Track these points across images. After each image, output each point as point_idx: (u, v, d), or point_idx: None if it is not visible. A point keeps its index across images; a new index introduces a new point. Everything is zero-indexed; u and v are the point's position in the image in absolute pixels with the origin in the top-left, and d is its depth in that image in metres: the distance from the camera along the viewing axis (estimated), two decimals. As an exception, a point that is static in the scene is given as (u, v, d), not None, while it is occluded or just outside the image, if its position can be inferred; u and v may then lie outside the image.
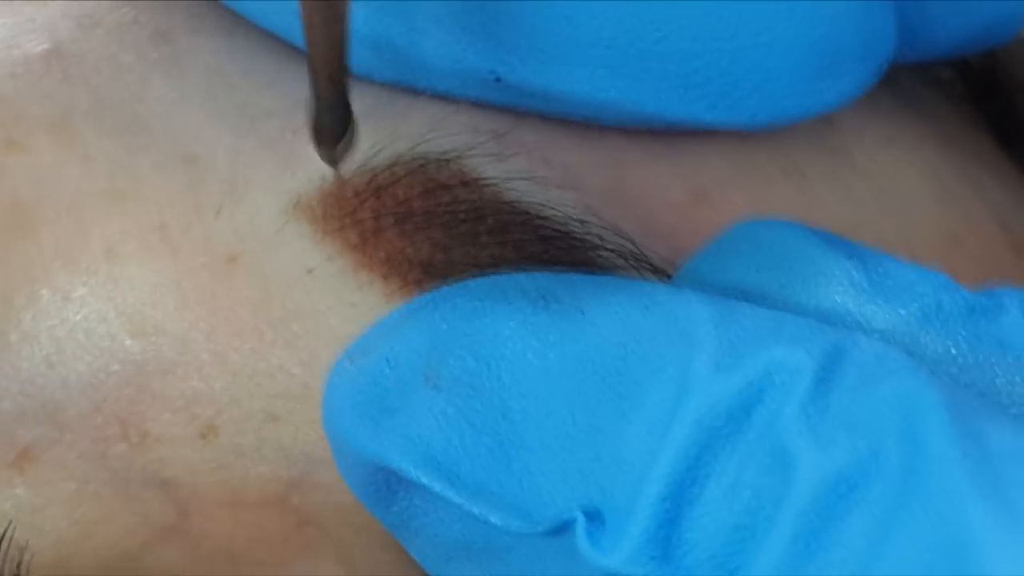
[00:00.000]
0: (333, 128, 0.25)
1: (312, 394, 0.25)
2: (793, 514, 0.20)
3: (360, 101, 0.26)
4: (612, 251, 0.26)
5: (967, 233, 0.30)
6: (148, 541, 0.26)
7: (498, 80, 0.26)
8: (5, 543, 0.25)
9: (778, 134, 0.29)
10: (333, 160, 0.26)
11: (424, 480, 0.22)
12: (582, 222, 0.26)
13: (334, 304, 0.26)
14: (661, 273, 0.26)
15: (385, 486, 0.23)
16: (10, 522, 0.25)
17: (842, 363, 0.21)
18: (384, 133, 0.26)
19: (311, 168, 0.26)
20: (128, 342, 0.26)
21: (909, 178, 0.30)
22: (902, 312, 0.22)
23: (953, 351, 0.22)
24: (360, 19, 0.26)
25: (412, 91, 0.27)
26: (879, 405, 0.21)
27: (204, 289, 0.26)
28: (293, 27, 0.27)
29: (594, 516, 0.21)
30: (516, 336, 0.22)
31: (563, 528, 0.21)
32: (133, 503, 0.26)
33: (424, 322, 0.23)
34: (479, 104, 0.27)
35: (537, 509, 0.22)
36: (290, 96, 0.27)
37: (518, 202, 0.26)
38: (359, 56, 0.26)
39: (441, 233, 0.26)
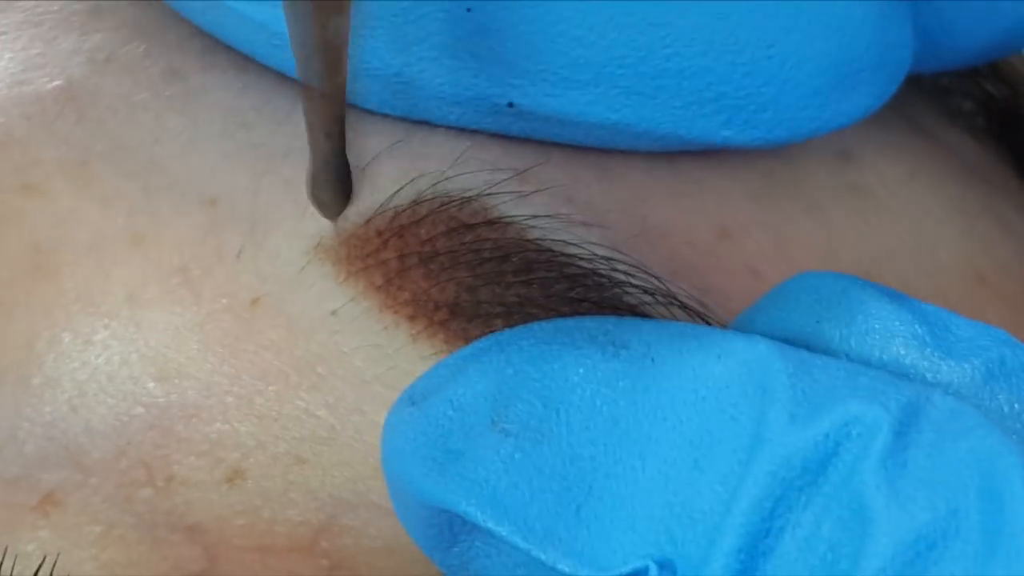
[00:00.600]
0: (331, 184, 0.25)
1: (338, 437, 0.25)
2: (872, 571, 0.20)
3: (378, 137, 0.26)
4: (639, 287, 0.26)
5: (993, 271, 0.30)
6: None
7: (511, 106, 0.26)
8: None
9: (800, 172, 0.29)
10: (331, 215, 0.26)
11: (490, 525, 0.22)
12: (607, 259, 0.26)
13: (359, 346, 0.25)
14: (690, 310, 0.26)
15: (447, 529, 0.22)
16: (44, 557, 0.25)
17: (918, 418, 0.21)
18: (404, 171, 0.26)
19: None
20: (151, 385, 0.26)
21: (933, 215, 0.30)
22: (966, 367, 0.22)
23: (1017, 407, 0.22)
24: (368, 52, 0.26)
25: (431, 127, 0.27)
26: (958, 463, 0.21)
27: (227, 332, 0.26)
28: (276, 55, 0.27)
29: (665, 566, 0.21)
30: (585, 382, 0.22)
31: (633, 577, 0.21)
32: (161, 548, 0.25)
33: (490, 365, 0.23)
34: (500, 140, 0.27)
35: (605, 557, 0.21)
36: (305, 134, 0.27)
37: (542, 240, 0.26)
38: (370, 90, 0.26)
39: (466, 273, 0.25)
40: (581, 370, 0.22)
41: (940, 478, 0.21)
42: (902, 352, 0.23)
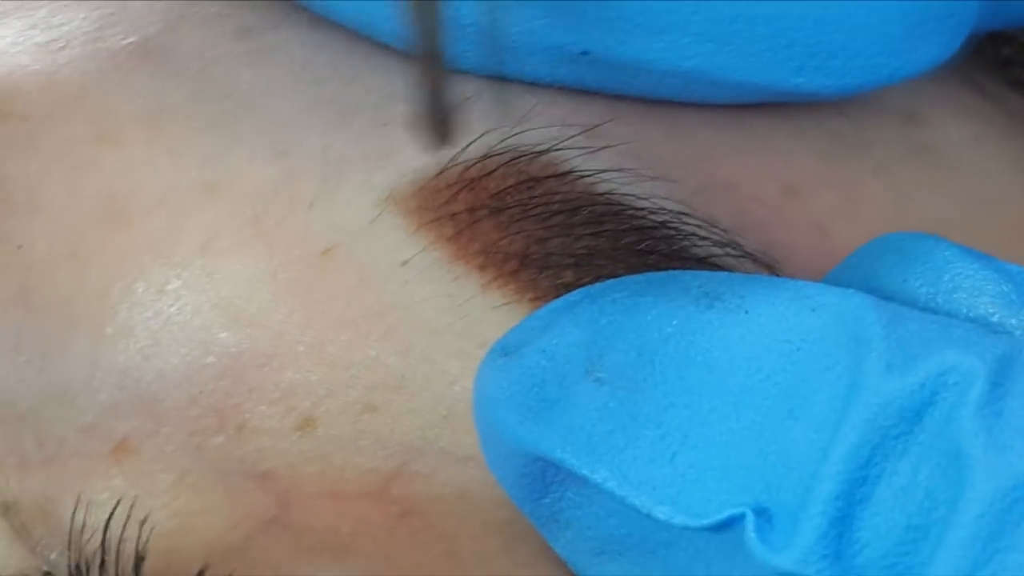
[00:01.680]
0: (442, 114, 0.25)
1: (408, 384, 0.25)
2: (970, 517, 0.20)
3: (453, 91, 0.26)
4: (708, 240, 0.26)
5: None
6: (251, 533, 0.26)
7: (585, 54, 0.26)
8: (123, 520, 0.25)
9: (866, 132, 0.29)
10: (439, 146, 0.26)
11: (586, 471, 0.22)
12: (676, 213, 0.26)
13: (429, 295, 0.26)
14: (760, 263, 0.26)
15: (540, 479, 0.23)
16: (121, 499, 0.25)
17: (1012, 369, 0.21)
18: (477, 125, 0.26)
19: (403, 162, 0.26)
20: (223, 335, 0.26)
21: (997, 176, 0.30)
22: None
23: None
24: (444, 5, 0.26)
25: (500, 83, 0.27)
26: None
27: (299, 281, 0.26)
28: (373, 23, 0.27)
29: (761, 513, 0.21)
30: (679, 332, 0.22)
31: (728, 525, 0.21)
32: (233, 495, 0.26)
33: (582, 316, 0.23)
34: (569, 96, 0.27)
35: (701, 504, 0.22)
36: (376, 90, 0.27)
37: (611, 193, 0.26)
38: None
39: (535, 224, 0.26)
40: (675, 321, 0.22)
41: None
42: (990, 309, 0.23)
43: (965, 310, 0.23)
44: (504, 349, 0.23)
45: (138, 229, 0.26)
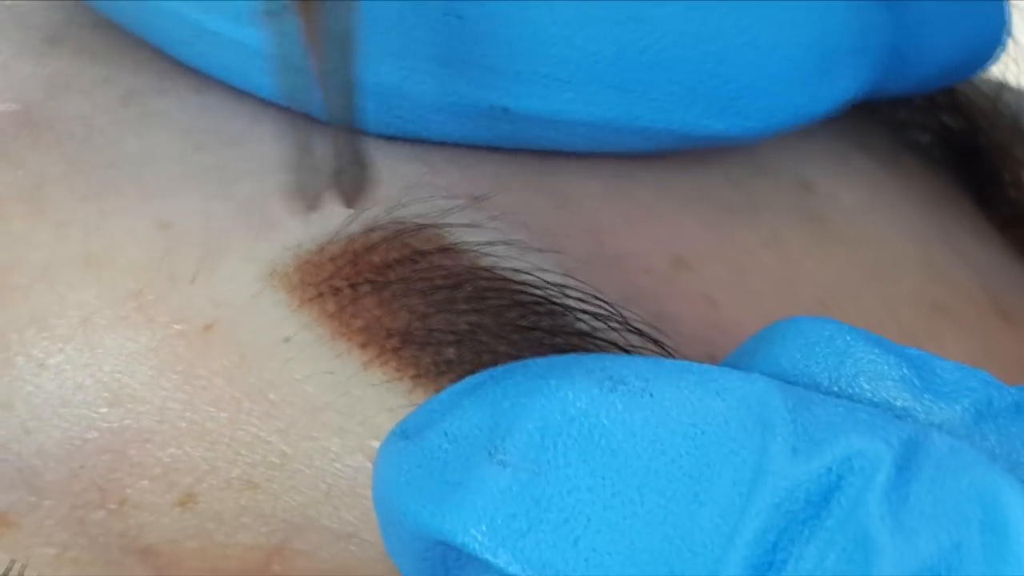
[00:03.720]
0: (355, 177, 0.25)
1: (289, 462, 0.25)
2: None
3: (330, 164, 0.26)
4: (590, 313, 0.26)
5: (952, 300, 0.30)
6: None
7: (504, 111, 0.26)
8: None
9: (758, 202, 0.29)
10: (353, 202, 0.26)
11: (488, 555, 0.22)
12: (559, 286, 0.26)
13: (311, 373, 0.26)
14: (645, 336, 0.26)
15: (440, 562, 0.22)
16: (5, 572, 0.25)
17: (918, 454, 0.21)
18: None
19: (286, 234, 0.26)
20: (105, 410, 0.26)
21: (891, 244, 0.31)
22: (956, 408, 0.23)
23: (1007, 447, 0.23)
24: (360, 67, 0.26)
25: (387, 152, 0.27)
26: (960, 497, 0.21)
27: (181, 357, 0.26)
28: (258, 79, 0.27)
29: (666, 599, 0.21)
30: (583, 415, 0.22)
31: (633, 610, 0.21)
32: (113, 570, 0.25)
33: (485, 398, 0.22)
34: (456, 165, 0.27)
35: None
36: (260, 156, 0.27)
37: (496, 268, 0.26)
38: (360, 108, 0.26)
39: (418, 300, 0.26)
40: (579, 403, 0.22)
41: (943, 512, 0.21)
42: (892, 394, 0.23)
43: (868, 395, 0.23)
44: (404, 432, 0.23)
45: (19, 302, 0.26)
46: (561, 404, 0.22)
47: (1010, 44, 0.30)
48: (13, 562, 0.25)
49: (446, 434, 0.22)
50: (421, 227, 0.26)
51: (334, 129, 0.24)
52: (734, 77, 0.26)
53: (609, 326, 0.26)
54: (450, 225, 0.27)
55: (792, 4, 0.26)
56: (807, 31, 0.26)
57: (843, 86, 0.27)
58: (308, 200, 0.25)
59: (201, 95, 0.28)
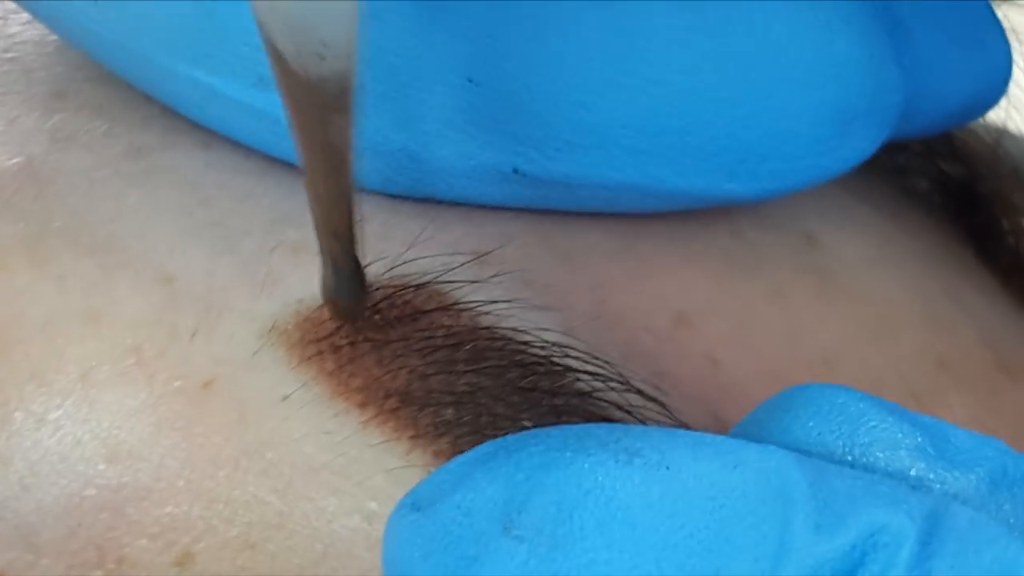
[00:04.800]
0: (349, 289, 0.25)
1: (287, 523, 0.25)
2: None
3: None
4: (591, 374, 0.26)
5: (955, 355, 0.30)
6: None
7: (516, 172, 0.26)
8: None
9: (761, 256, 0.29)
10: (353, 316, 0.25)
11: (506, 634, 0.21)
12: (560, 346, 0.26)
13: (309, 432, 0.25)
14: (645, 396, 0.26)
15: (455, 639, 0.22)
16: None
17: (940, 528, 0.21)
18: (362, 253, 0.26)
19: (287, 290, 0.26)
20: (103, 467, 0.25)
21: (895, 299, 0.30)
22: (971, 477, 0.23)
23: (1022, 516, 0.22)
24: (372, 130, 0.26)
25: (392, 207, 0.27)
26: (982, 573, 0.21)
27: (179, 414, 0.26)
28: (272, 140, 0.27)
29: (688, 677, 0.21)
30: (600, 488, 0.22)
31: None
32: None
33: (499, 471, 0.22)
34: (461, 220, 0.27)
35: None
36: (266, 212, 0.27)
37: (496, 327, 0.26)
38: (374, 168, 0.26)
39: (418, 360, 0.25)
40: (595, 476, 0.22)
41: None
42: (907, 464, 0.23)
43: (883, 464, 0.23)
44: (416, 504, 0.22)
45: (18, 357, 0.26)
46: (577, 477, 0.22)
47: (1011, 91, 0.30)
48: None
49: (459, 507, 0.22)
50: (423, 285, 0.26)
51: (326, 243, 0.24)
52: (752, 140, 0.26)
53: (609, 386, 0.26)
54: (452, 282, 0.26)
55: (810, 67, 0.26)
56: (825, 94, 0.26)
57: (859, 147, 0.27)
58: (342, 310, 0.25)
59: (207, 151, 0.28)
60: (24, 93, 0.29)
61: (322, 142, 0.23)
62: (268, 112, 0.26)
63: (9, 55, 0.30)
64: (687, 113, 0.26)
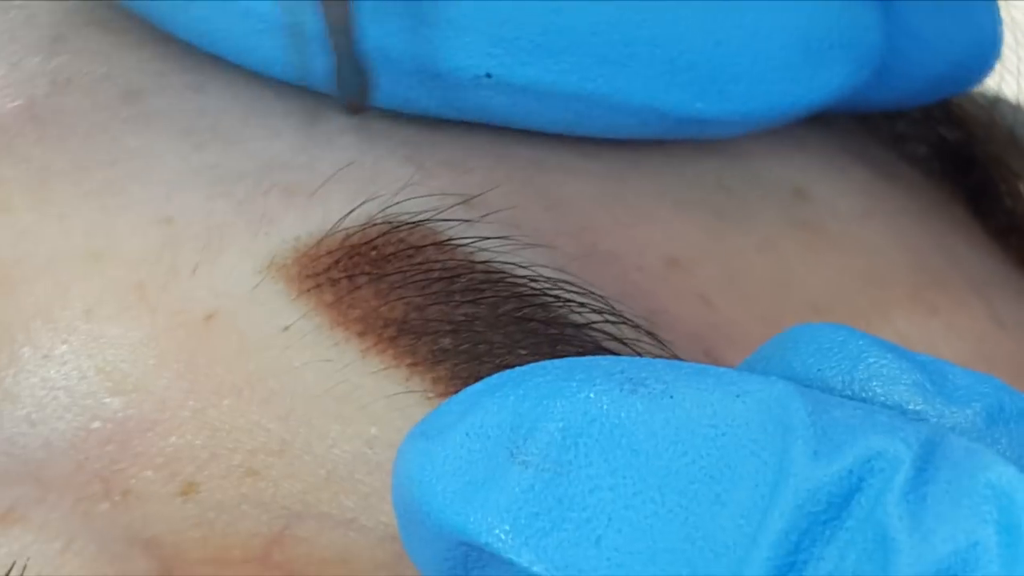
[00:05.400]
0: (351, 78, 0.26)
1: (289, 449, 0.26)
2: None
3: (331, 159, 0.27)
4: (586, 307, 0.26)
5: (947, 305, 0.31)
6: None
7: (488, 76, 0.27)
8: None
9: (752, 209, 0.30)
10: (357, 109, 0.26)
11: (512, 555, 0.22)
12: (555, 280, 0.26)
13: (309, 360, 0.26)
14: (641, 329, 0.27)
15: (462, 562, 0.22)
16: (11, 567, 0.25)
17: (935, 455, 0.22)
18: (355, 193, 0.27)
19: (284, 229, 0.27)
20: (108, 400, 0.26)
21: (886, 251, 0.31)
22: (968, 412, 0.23)
23: (1018, 451, 0.23)
24: (358, 30, 0.26)
25: (380, 156, 0.28)
26: (977, 497, 0.21)
27: (182, 347, 0.26)
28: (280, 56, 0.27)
29: (688, 598, 0.21)
30: (605, 415, 0.22)
31: (654, 610, 0.21)
32: (118, 562, 0.25)
33: (506, 400, 0.23)
34: (448, 168, 0.28)
35: None
36: (258, 155, 0.28)
37: (490, 262, 0.27)
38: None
39: (415, 292, 0.26)
40: (601, 404, 0.22)
41: (960, 511, 0.21)
42: (905, 398, 0.23)
43: (881, 399, 0.23)
44: (425, 432, 0.23)
45: (23, 295, 0.26)
46: (583, 405, 0.22)
47: (1005, 57, 0.31)
48: (18, 559, 0.25)
49: (468, 434, 0.22)
50: (416, 224, 0.27)
51: (333, 37, 0.25)
52: (721, 58, 0.27)
53: (604, 318, 0.26)
54: (444, 221, 0.27)
55: None
56: (796, 18, 0.27)
57: (829, 80, 0.28)
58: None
59: (201, 94, 0.29)
60: (26, 38, 0.30)
61: None
62: (278, 23, 0.26)
63: (15, 3, 0.30)
64: (658, 24, 0.26)
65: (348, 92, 0.26)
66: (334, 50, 0.26)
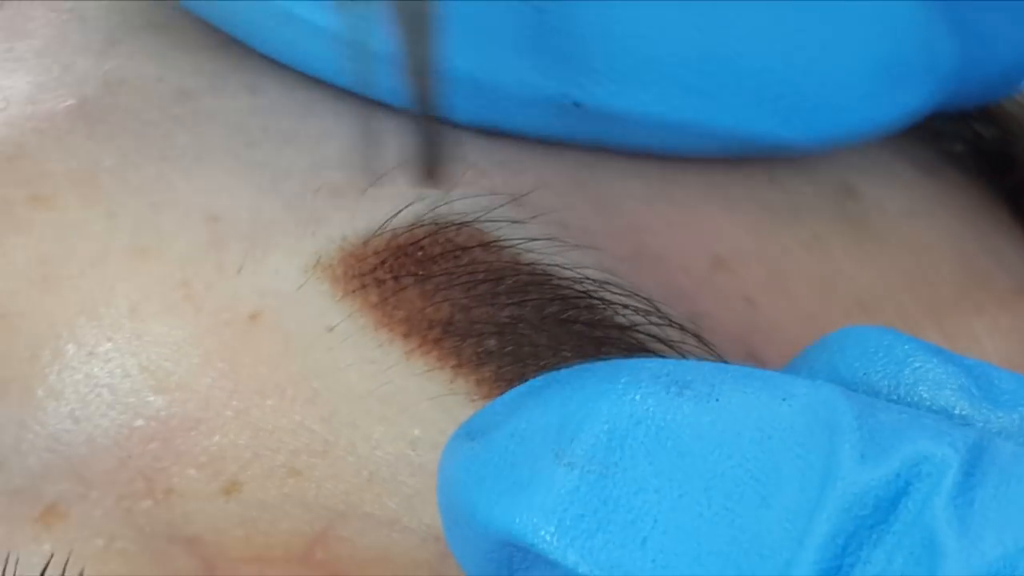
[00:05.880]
0: (436, 154, 0.26)
1: (332, 450, 0.26)
2: None
3: (382, 159, 0.27)
4: (631, 308, 0.26)
5: (991, 305, 0.31)
6: None
7: (576, 105, 0.27)
8: None
9: (799, 205, 0.30)
10: (439, 183, 0.26)
11: (557, 556, 0.22)
12: (600, 283, 0.27)
13: (354, 361, 0.26)
14: (685, 331, 0.27)
15: (507, 563, 0.22)
16: (49, 564, 0.25)
17: (983, 459, 0.21)
18: (403, 194, 0.27)
19: (331, 228, 0.27)
20: (152, 398, 0.26)
21: (932, 250, 0.31)
22: (1014, 416, 0.23)
23: None
24: (438, 56, 0.26)
25: (431, 151, 0.28)
26: None
27: (226, 346, 0.26)
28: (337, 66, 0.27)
29: (734, 600, 0.21)
30: (651, 417, 0.22)
31: (699, 611, 0.21)
32: (160, 560, 0.25)
33: (551, 401, 0.23)
34: (499, 167, 0.28)
35: None
36: (308, 154, 0.28)
37: (536, 264, 0.27)
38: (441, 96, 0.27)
39: (460, 293, 0.26)
40: (646, 405, 0.22)
41: (1008, 516, 0.21)
42: (951, 402, 0.23)
43: (928, 403, 0.23)
44: (470, 433, 0.23)
45: (69, 291, 0.26)
46: (629, 407, 0.22)
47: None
48: (62, 555, 0.25)
49: (513, 435, 0.22)
50: (463, 224, 0.27)
51: (415, 109, 0.25)
52: (807, 86, 0.27)
53: (649, 320, 0.26)
54: (492, 221, 0.27)
55: (869, 20, 0.27)
56: (878, 45, 0.27)
57: (908, 103, 0.28)
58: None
59: (254, 95, 0.29)
60: (80, 40, 0.30)
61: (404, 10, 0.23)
62: (336, 34, 0.26)
63: (67, 5, 0.31)
64: (747, 56, 0.26)
65: (424, 163, 0.26)
66: (418, 128, 0.26)
